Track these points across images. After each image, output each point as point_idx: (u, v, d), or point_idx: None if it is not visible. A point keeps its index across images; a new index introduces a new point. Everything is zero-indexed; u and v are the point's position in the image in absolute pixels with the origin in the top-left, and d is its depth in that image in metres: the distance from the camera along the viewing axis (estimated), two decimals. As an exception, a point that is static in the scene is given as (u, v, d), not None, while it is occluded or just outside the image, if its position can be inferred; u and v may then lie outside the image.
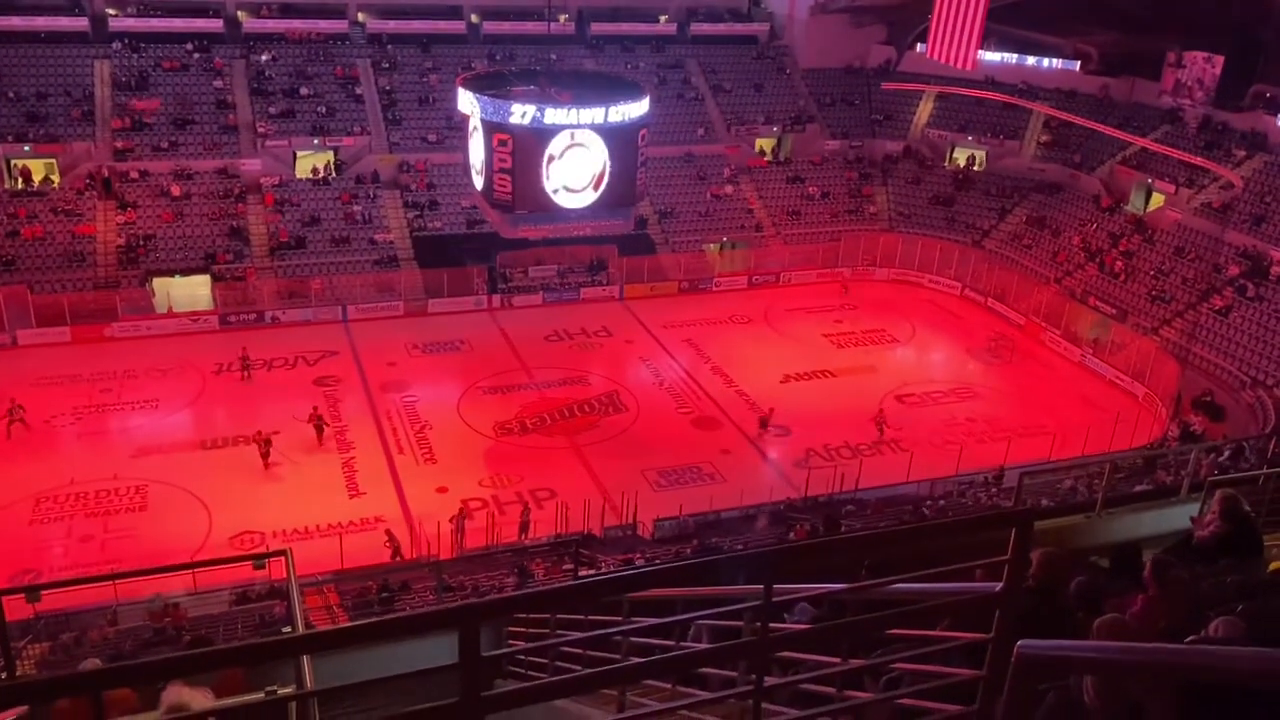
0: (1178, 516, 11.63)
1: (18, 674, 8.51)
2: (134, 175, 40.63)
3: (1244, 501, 8.28)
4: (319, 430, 30.48)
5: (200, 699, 4.09)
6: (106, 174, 40.17)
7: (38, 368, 33.44)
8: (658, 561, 21.45)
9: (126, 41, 43.95)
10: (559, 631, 8.49)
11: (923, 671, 4.17)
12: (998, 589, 3.48)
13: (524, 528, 26.25)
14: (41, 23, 43.32)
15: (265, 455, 29.18)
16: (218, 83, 44.09)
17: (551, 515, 26.80)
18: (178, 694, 4.06)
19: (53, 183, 40.25)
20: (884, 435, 31.74)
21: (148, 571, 12.18)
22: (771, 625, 3.59)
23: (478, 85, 30.67)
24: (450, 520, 25.71)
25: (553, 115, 29.14)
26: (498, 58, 47.14)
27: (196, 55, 44.62)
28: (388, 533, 25.10)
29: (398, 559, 24.20)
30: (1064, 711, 3.79)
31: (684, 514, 26.86)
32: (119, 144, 41.17)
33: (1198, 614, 5.49)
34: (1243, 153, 41.51)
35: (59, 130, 40.89)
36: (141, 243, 38.97)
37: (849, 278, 44.63)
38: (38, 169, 40.29)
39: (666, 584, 5.28)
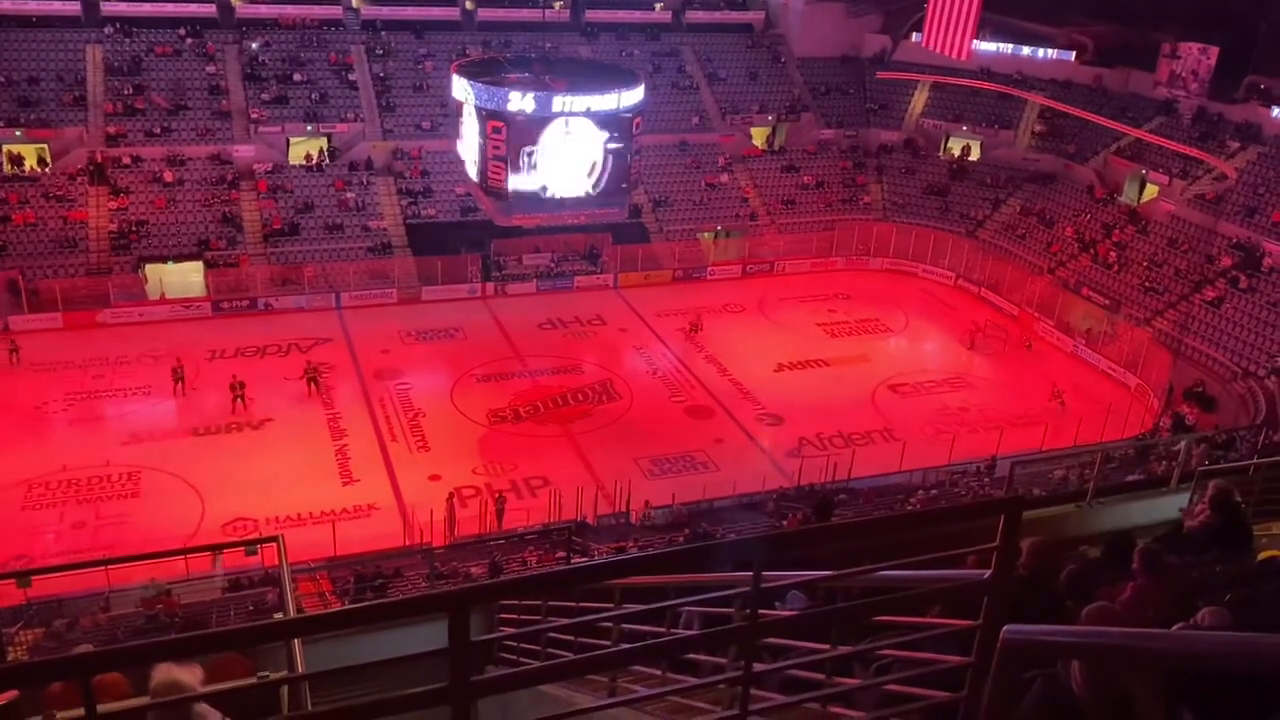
0: (1168, 506, 11.68)
1: (9, 659, 8.50)
2: (126, 161, 40.45)
3: (1235, 492, 8.33)
4: (313, 383, 31.88)
5: (189, 677, 4.06)
6: (99, 159, 39.96)
7: (29, 354, 33.31)
8: (649, 549, 21.49)
9: (119, 26, 43.70)
10: (551, 619, 8.52)
11: (912, 658, 4.18)
12: (987, 576, 3.49)
13: (500, 515, 26.32)
14: (33, 6, 43.04)
15: (238, 398, 30.67)
16: (210, 68, 43.88)
17: (545, 503, 26.83)
18: (167, 672, 4.03)
19: (46, 165, 39.96)
20: (1063, 404, 33.09)
21: (140, 557, 12.17)
22: (761, 612, 3.59)
23: (472, 72, 30.62)
24: (446, 500, 25.76)
25: (547, 103, 29.09)
26: (492, 45, 46.96)
27: (189, 40, 44.38)
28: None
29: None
30: (1052, 699, 3.80)
31: (676, 502, 26.92)
32: (111, 129, 40.98)
33: (1186, 603, 5.51)
34: (1236, 144, 41.56)
35: (51, 115, 40.68)
36: (134, 229, 38.83)
37: (700, 321, 38.38)
38: (29, 154, 40.08)
39: (656, 570, 5.29)
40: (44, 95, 41.05)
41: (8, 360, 32.94)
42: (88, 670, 2.79)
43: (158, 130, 41.46)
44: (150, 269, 38.32)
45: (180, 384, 31.88)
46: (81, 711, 2.83)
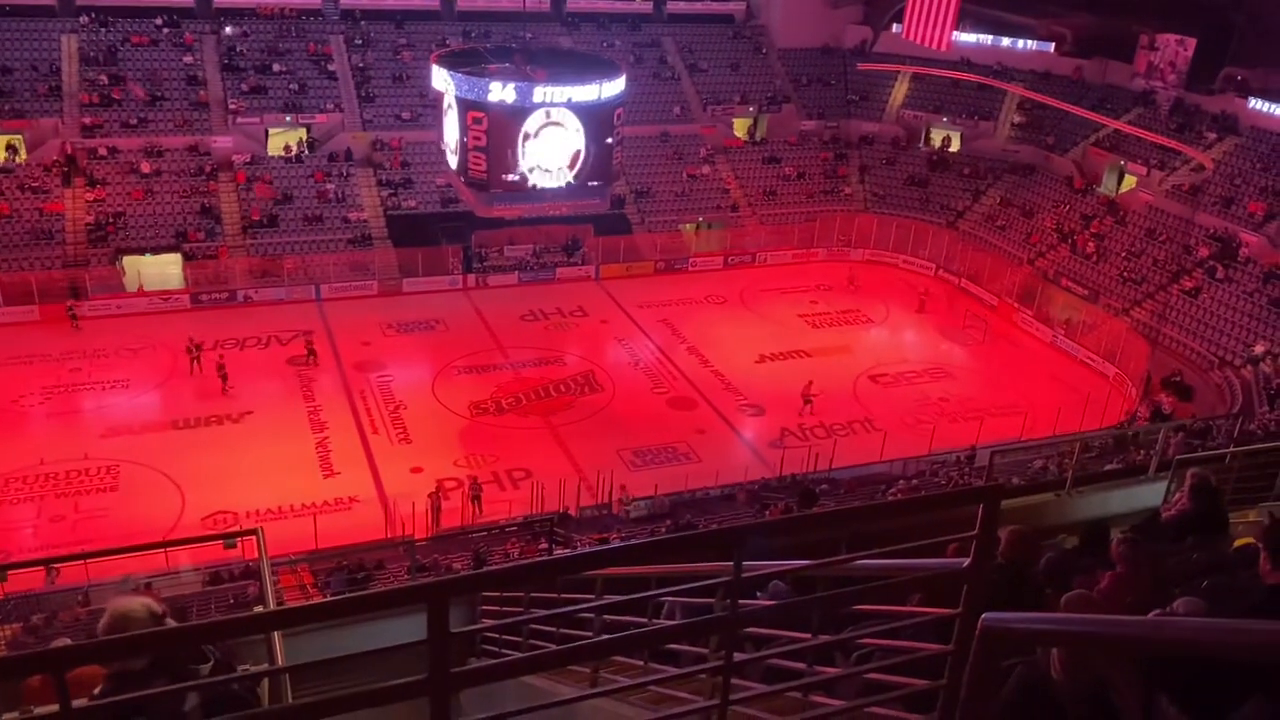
0: (1146, 495, 11.79)
1: (-14, 655, 8.44)
2: (103, 152, 40.05)
3: (1213, 480, 8.41)
4: (310, 354, 33.09)
5: (144, 605, 3.92)
6: (71, 151, 39.52)
7: (5, 347, 32.96)
8: (632, 540, 21.51)
9: (94, 15, 43.18)
10: (533, 610, 8.52)
11: (892, 646, 4.21)
12: (965, 564, 3.51)
13: (475, 499, 26.30)
14: (6, -5, 42.51)
15: (195, 361, 32.12)
16: (188, 58, 43.46)
17: (527, 495, 26.82)
18: (125, 603, 3.86)
19: (16, 153, 39.41)
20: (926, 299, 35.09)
21: (119, 551, 12.05)
22: (742, 602, 3.60)
23: (452, 63, 30.43)
24: (428, 496, 25.71)
25: (528, 93, 28.97)
26: (472, 35, 46.73)
27: (166, 30, 43.94)
28: None
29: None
30: (1031, 686, 3.83)
31: (659, 493, 26.95)
32: (87, 120, 40.55)
33: (1163, 591, 5.57)
34: (1213, 135, 41.84)
35: (25, 106, 40.20)
36: (111, 220, 38.47)
37: (812, 389, 32.66)
38: (1, 145, 39.54)
39: (633, 561, 5.29)
40: (18, 85, 40.55)
41: (70, 328, 34.47)
42: (62, 665, 2.76)
43: (134, 121, 41.07)
44: (128, 261, 37.98)
45: (225, 382, 31.69)
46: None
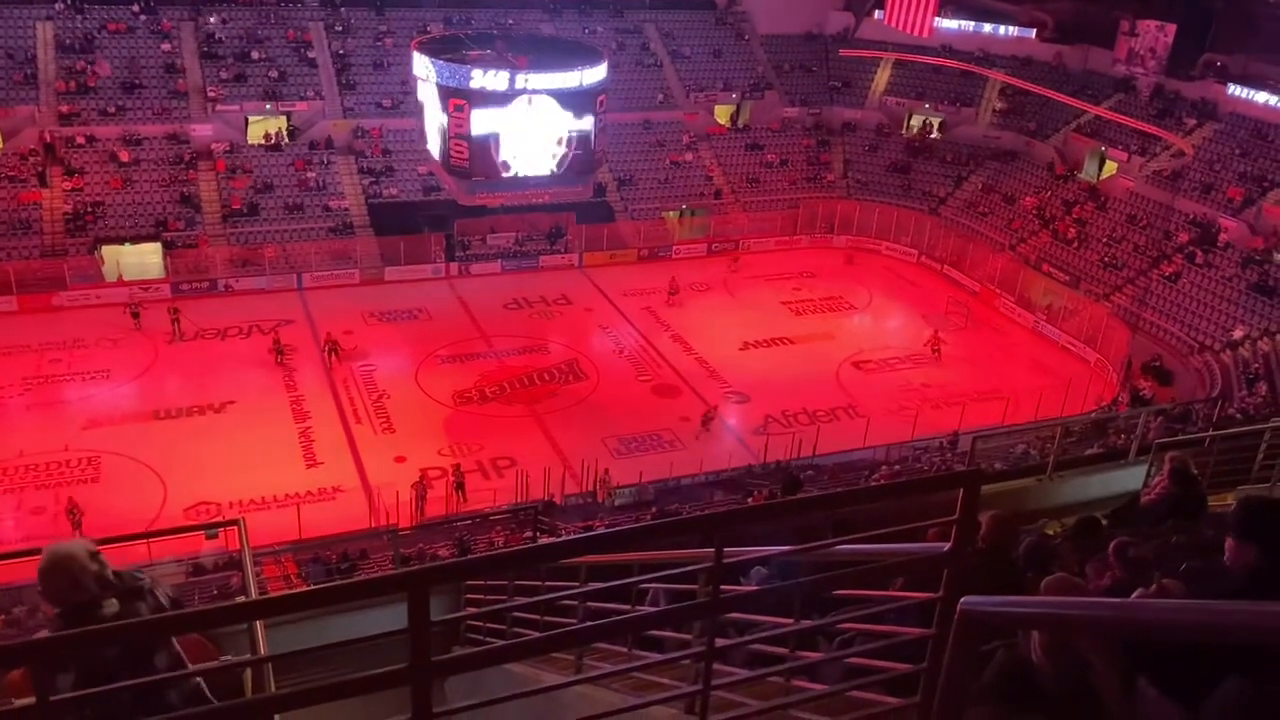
0: (1126, 479, 11.88)
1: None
2: (81, 141, 39.66)
3: (1191, 464, 8.48)
4: (334, 352, 32.99)
5: (83, 546, 3.99)
6: (48, 139, 39.11)
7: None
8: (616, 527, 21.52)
9: (70, 2, 42.68)
10: (516, 598, 8.51)
11: (874, 631, 4.22)
12: (946, 549, 3.52)
13: (459, 488, 26.27)
14: (-20, -18, 41.94)
15: (175, 323, 33.44)
16: (166, 46, 43.02)
17: (511, 484, 26.80)
18: (63, 544, 3.93)
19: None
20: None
21: (100, 543, 11.98)
22: (723, 587, 3.61)
23: (433, 49, 30.33)
24: (412, 487, 25.67)
25: (509, 80, 28.88)
26: (453, 21, 46.45)
27: (143, 17, 43.46)
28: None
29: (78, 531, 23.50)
30: (1012, 670, 3.85)
31: (644, 480, 26.98)
32: (64, 108, 40.12)
33: (1144, 574, 5.61)
34: (1193, 121, 42.07)
35: (0, 94, 39.73)
36: (89, 210, 38.11)
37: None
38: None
39: (617, 548, 5.29)
40: (-7, 73, 40.13)
41: (133, 325, 34.39)
42: (40, 658, 2.74)
43: (112, 109, 40.66)
44: (107, 251, 37.64)
45: (280, 355, 32.97)
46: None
